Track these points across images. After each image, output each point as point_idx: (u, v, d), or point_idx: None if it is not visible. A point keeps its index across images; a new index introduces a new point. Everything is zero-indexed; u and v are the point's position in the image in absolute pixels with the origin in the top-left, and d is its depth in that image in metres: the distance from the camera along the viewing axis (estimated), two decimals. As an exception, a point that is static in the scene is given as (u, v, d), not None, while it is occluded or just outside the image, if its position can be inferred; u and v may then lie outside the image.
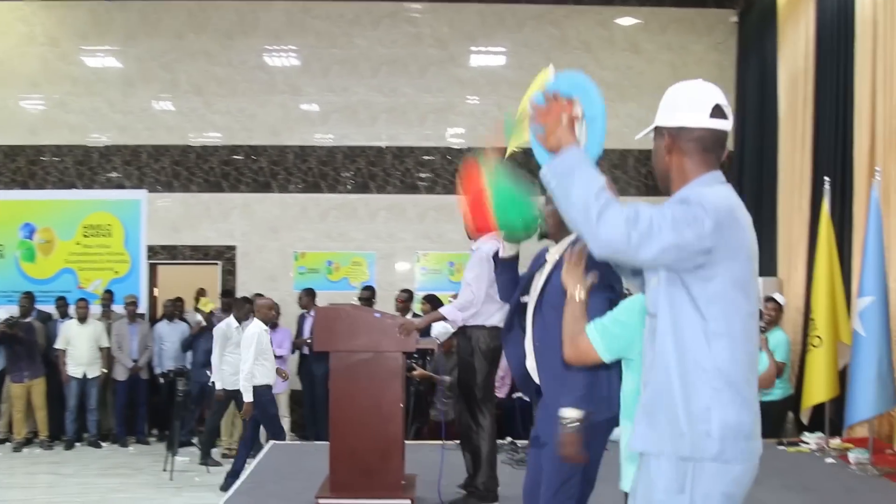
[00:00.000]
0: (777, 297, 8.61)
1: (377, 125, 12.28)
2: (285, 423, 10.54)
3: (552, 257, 4.00)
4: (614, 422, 3.83)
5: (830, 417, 7.83)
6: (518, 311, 4.11)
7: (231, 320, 9.05)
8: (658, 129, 2.70)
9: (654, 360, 2.57)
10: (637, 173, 12.29)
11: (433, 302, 10.27)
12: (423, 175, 12.26)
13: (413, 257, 12.16)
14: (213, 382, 9.03)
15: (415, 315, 9.87)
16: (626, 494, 3.18)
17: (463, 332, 6.25)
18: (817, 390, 7.74)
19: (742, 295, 2.50)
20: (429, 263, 12.08)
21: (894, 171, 7.74)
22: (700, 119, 2.61)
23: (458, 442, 6.45)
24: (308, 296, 11.12)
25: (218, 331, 9.00)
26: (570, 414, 3.64)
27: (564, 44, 12.37)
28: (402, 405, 5.81)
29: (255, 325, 8.30)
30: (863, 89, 8.38)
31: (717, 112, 2.61)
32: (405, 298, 10.45)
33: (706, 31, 12.52)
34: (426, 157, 12.28)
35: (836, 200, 8.30)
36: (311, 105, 12.30)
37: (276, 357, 10.31)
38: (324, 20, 12.34)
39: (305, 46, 12.31)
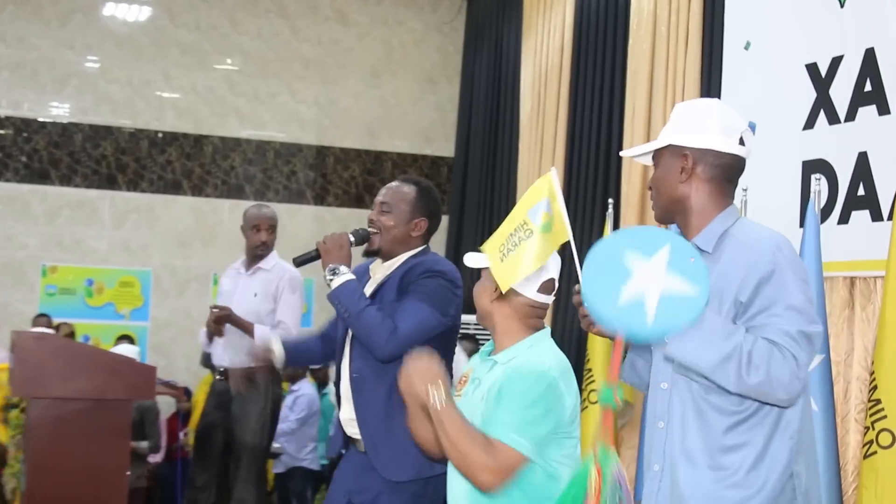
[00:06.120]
0: None
1: (-6, 86, 9.40)
2: None
3: (376, 276, 3.67)
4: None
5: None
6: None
7: None
8: (673, 148, 2.53)
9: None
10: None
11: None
12: (58, 159, 9.45)
13: (38, 270, 9.38)
14: None
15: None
16: None
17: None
18: None
19: None
20: (59, 280, 9.37)
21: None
22: (730, 144, 2.51)
23: None
24: None
25: None
26: None
27: (254, 5, 10.03)
28: (128, 473, 4.83)
29: None
30: (638, 96, 7.03)
31: (742, 141, 2.54)
32: (44, 325, 8.21)
33: (430, 8, 10.69)
34: (63, 136, 9.49)
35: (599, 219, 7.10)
36: None
37: None
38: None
39: None
